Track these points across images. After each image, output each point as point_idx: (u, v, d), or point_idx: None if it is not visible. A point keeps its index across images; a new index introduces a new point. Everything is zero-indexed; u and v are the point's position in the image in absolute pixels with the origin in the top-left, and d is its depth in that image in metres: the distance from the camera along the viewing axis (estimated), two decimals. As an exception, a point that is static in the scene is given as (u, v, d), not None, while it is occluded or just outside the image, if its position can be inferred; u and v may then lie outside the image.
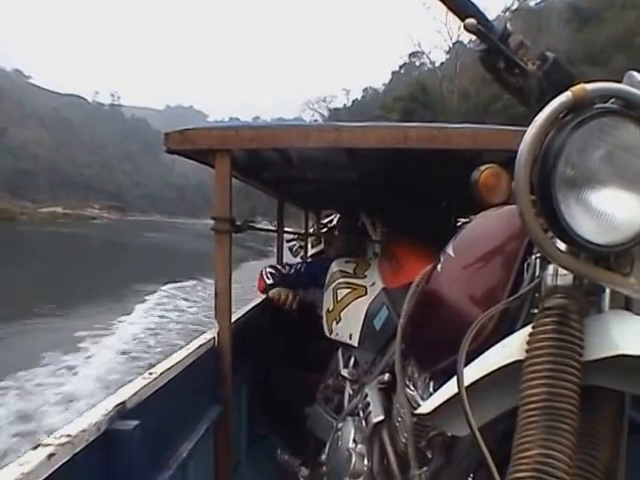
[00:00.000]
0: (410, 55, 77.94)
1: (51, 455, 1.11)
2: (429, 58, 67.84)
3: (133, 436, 1.38)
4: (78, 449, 1.21)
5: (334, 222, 5.41)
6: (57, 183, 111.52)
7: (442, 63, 63.49)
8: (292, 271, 3.51)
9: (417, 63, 77.23)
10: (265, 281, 3.44)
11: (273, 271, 3.51)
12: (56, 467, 1.11)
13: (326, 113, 79.54)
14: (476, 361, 1.00)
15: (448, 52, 61.95)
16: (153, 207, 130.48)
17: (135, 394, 1.54)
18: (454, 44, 58.01)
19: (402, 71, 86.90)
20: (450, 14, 1.10)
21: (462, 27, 1.06)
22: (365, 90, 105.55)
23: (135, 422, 1.41)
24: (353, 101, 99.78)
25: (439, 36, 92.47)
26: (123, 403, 1.46)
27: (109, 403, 1.44)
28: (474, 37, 1.10)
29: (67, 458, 1.16)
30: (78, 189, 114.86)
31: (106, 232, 59.20)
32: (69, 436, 1.20)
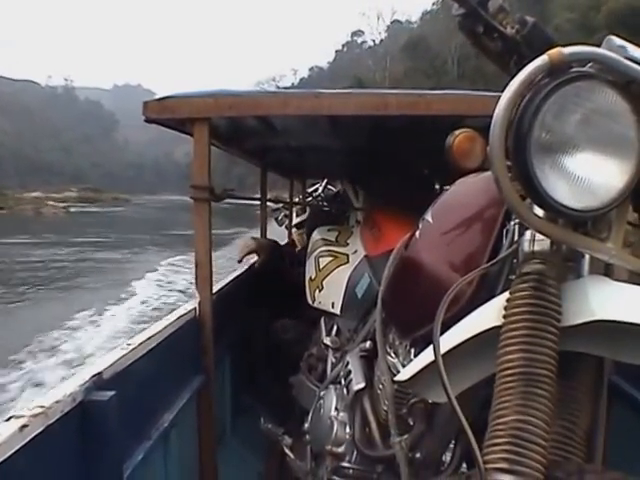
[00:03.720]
0: (352, 34, 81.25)
1: (24, 426, 1.09)
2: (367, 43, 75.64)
3: (110, 407, 1.37)
4: (52, 420, 1.19)
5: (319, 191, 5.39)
6: (23, 170, 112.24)
7: (382, 40, 72.07)
8: None
9: (359, 41, 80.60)
10: None
11: None
12: (29, 439, 1.09)
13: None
14: (454, 328, 1.00)
15: (387, 30, 70.92)
16: (114, 187, 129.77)
17: (112, 365, 1.52)
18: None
19: (345, 49, 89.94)
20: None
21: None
22: (311, 69, 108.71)
23: (111, 393, 1.39)
24: (301, 79, 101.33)
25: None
26: (100, 374, 1.44)
27: (85, 374, 1.42)
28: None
29: (40, 429, 1.14)
30: (43, 174, 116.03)
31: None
32: (42, 407, 1.18)
